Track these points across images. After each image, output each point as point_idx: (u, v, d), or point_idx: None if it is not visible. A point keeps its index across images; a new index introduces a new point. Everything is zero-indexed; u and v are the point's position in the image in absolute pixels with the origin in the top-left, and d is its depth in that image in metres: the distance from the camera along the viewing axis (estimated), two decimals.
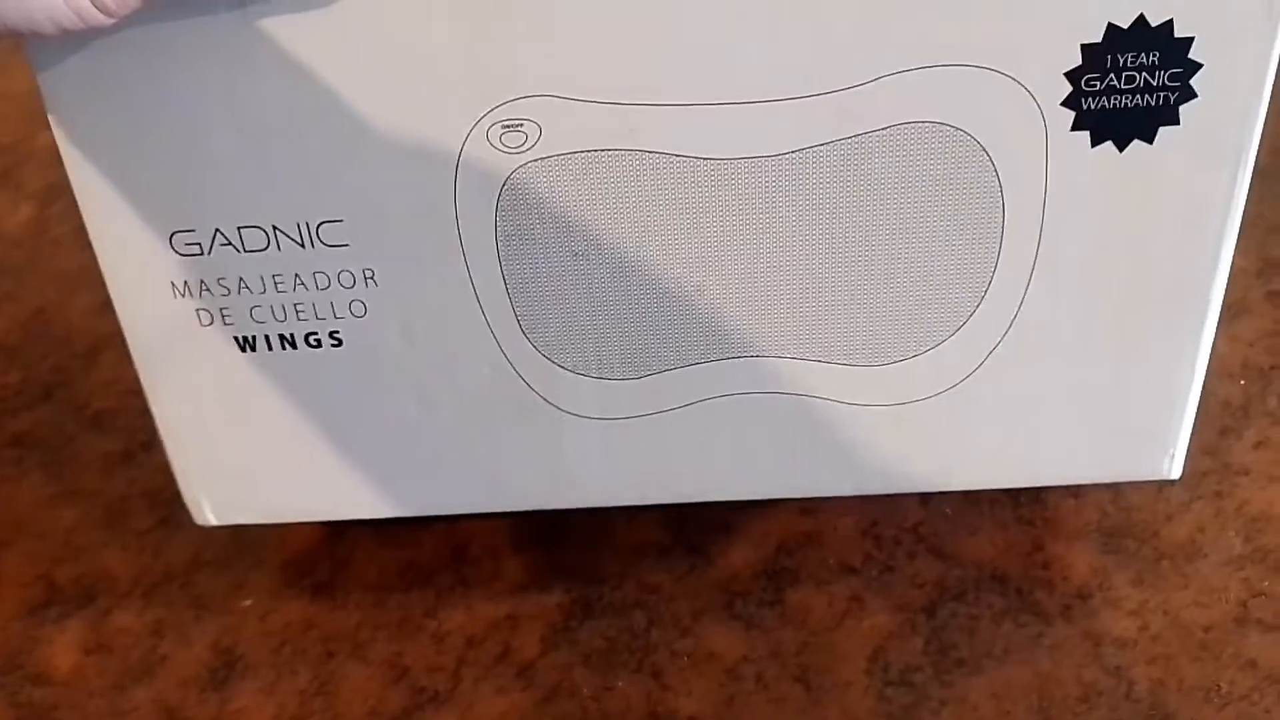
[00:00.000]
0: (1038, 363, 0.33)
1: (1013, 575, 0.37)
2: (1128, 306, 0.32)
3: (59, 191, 0.39)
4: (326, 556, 0.40)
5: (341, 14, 0.28)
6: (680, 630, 0.36)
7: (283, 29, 0.29)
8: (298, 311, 0.33)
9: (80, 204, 0.32)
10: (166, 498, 0.39)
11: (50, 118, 0.31)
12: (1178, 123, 0.29)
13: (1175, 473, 0.35)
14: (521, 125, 0.30)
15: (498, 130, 0.30)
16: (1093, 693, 0.34)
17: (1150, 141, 0.30)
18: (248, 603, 0.39)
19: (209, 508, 0.36)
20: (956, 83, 0.29)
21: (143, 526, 0.41)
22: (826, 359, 0.33)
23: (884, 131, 0.30)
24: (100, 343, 0.48)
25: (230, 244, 0.32)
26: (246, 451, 0.35)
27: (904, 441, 0.34)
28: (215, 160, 0.31)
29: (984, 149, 0.30)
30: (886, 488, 0.36)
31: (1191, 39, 0.28)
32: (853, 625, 0.36)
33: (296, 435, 0.35)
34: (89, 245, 0.33)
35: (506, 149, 0.30)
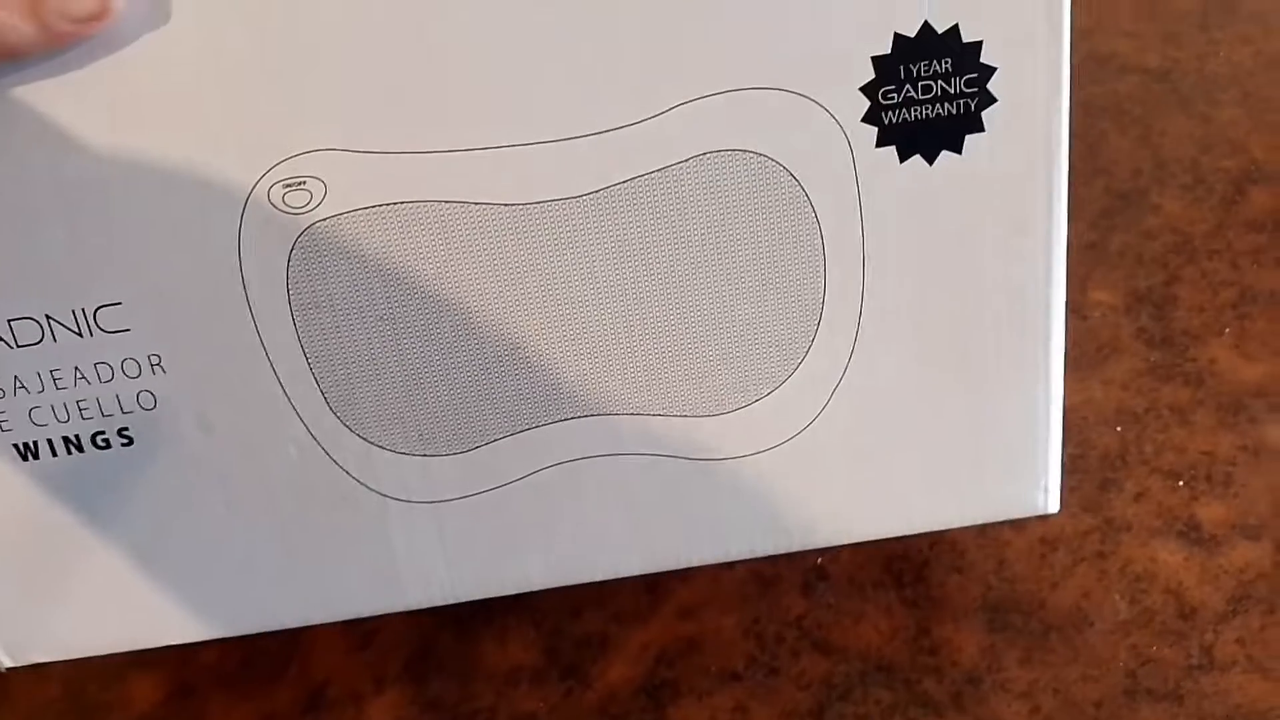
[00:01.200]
0: (886, 399, 0.31)
1: (900, 665, 0.35)
2: (968, 330, 0.31)
3: None
4: (174, 717, 0.37)
5: (98, 78, 0.27)
6: None
7: (36, 99, 0.27)
8: (81, 409, 0.30)
9: None
10: None
11: None
12: (983, 129, 0.29)
13: (1052, 506, 0.33)
14: (304, 183, 0.28)
15: (279, 190, 0.28)
16: None
17: (959, 151, 0.29)
18: None
19: (1, 648, 0.33)
20: (752, 107, 0.28)
21: None
22: (663, 411, 0.31)
23: (686, 164, 0.29)
24: None
25: (1, 340, 0.29)
26: (38, 578, 0.32)
27: (762, 496, 0.32)
28: None
29: (790, 174, 0.29)
30: (752, 550, 0.33)
31: (980, 42, 0.28)
32: None
33: (93, 554, 0.32)
34: None
35: (290, 209, 0.28)
